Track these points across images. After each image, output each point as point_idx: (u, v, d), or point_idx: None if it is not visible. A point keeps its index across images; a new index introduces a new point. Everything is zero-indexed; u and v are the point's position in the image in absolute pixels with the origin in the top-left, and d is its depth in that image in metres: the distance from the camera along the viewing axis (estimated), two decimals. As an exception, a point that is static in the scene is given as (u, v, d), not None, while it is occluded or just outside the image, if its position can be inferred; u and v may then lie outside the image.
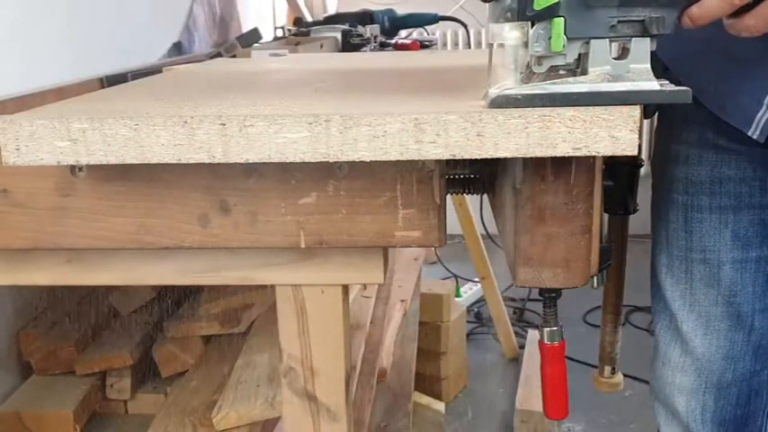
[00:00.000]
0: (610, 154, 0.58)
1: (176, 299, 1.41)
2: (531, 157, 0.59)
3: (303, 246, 0.71)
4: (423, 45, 2.25)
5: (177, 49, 1.87)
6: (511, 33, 0.60)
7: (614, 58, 0.60)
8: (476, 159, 0.58)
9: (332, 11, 3.32)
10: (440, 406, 2.01)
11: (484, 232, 2.51)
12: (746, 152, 0.91)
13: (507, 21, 0.60)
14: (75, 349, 1.27)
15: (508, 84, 0.60)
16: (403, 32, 2.54)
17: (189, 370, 1.31)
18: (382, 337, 1.53)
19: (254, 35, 2.04)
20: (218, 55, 1.74)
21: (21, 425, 1.15)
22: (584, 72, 0.60)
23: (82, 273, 0.77)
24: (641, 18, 0.59)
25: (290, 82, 0.89)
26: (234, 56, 1.74)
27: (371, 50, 2.25)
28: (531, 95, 0.58)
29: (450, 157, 0.58)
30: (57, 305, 1.34)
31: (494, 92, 0.59)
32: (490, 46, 0.63)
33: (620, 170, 1.01)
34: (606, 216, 1.04)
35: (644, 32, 0.60)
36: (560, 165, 0.66)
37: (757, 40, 0.68)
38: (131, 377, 1.30)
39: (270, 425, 1.09)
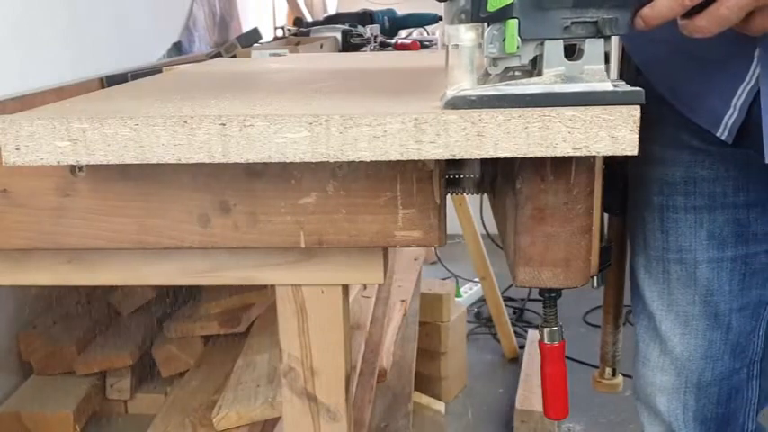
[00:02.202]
0: (610, 154, 0.58)
1: (176, 299, 1.41)
2: (531, 157, 0.59)
3: (303, 246, 0.71)
4: (423, 45, 2.25)
5: (177, 49, 1.87)
6: (466, 35, 0.60)
7: (568, 59, 0.60)
8: (476, 159, 0.58)
9: (332, 11, 3.32)
10: (440, 406, 2.01)
11: (484, 232, 2.51)
12: (719, 152, 0.91)
13: (461, 22, 0.60)
14: (75, 349, 1.27)
15: (465, 85, 0.60)
16: (403, 32, 2.54)
17: (189, 370, 1.31)
18: (382, 337, 1.52)
19: (254, 35, 2.04)
20: (218, 55, 1.74)
21: (21, 425, 1.15)
22: (540, 73, 0.61)
23: (82, 273, 0.77)
24: (594, 19, 0.60)
25: (290, 82, 0.89)
26: (234, 56, 1.74)
27: (371, 50, 2.25)
28: (485, 97, 0.59)
29: (451, 157, 0.58)
30: (57, 305, 1.34)
31: (450, 93, 0.60)
32: (447, 47, 0.63)
33: (619, 170, 1.01)
34: (606, 216, 1.04)
35: (597, 33, 0.60)
36: (560, 165, 0.66)
37: (724, 42, 0.68)
38: (131, 377, 1.30)
39: (270, 425, 1.09)
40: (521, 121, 0.57)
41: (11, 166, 0.61)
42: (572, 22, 0.59)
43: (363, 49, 2.26)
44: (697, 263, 0.96)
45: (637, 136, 0.57)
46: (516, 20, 0.59)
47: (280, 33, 2.44)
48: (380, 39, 2.34)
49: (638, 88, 0.59)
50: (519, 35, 0.59)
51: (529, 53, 0.61)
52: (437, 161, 0.68)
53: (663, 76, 0.92)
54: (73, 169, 0.70)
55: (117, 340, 1.32)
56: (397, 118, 0.58)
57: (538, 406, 1.98)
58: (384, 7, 2.59)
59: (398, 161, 0.59)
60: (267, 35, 2.38)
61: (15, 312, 1.26)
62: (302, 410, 0.79)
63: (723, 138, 0.85)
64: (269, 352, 1.21)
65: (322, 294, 0.76)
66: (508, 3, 0.58)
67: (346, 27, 2.31)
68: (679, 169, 0.95)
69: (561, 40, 0.60)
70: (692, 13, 0.63)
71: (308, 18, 2.96)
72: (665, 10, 0.62)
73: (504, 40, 0.59)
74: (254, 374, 1.16)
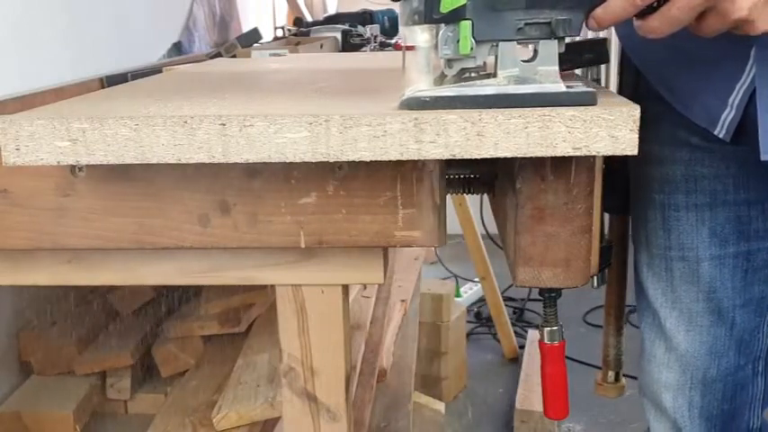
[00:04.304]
0: (610, 154, 0.58)
1: (176, 299, 1.41)
2: (531, 157, 0.59)
3: (303, 246, 0.71)
4: (423, 45, 2.25)
5: (177, 49, 1.87)
6: (421, 36, 0.61)
7: (523, 61, 0.61)
8: (476, 159, 0.58)
9: (332, 11, 3.32)
10: (440, 406, 2.01)
11: (484, 232, 2.51)
12: (719, 150, 0.92)
13: (416, 23, 0.60)
14: (75, 349, 1.27)
15: (422, 86, 0.61)
16: (403, 32, 2.54)
17: (189, 370, 1.31)
18: (382, 337, 1.52)
19: (254, 35, 2.04)
20: (218, 55, 1.74)
21: (21, 425, 1.15)
22: (495, 74, 0.61)
23: (82, 273, 0.77)
24: (548, 20, 0.60)
25: (290, 82, 0.89)
26: (234, 56, 1.74)
27: (371, 50, 2.25)
28: (440, 98, 0.59)
29: (450, 157, 0.58)
30: (57, 305, 1.34)
31: (407, 94, 0.60)
32: (404, 48, 0.63)
33: (620, 169, 1.02)
34: (606, 216, 1.04)
35: (551, 35, 0.60)
36: (560, 164, 0.66)
37: (721, 42, 0.69)
38: (131, 377, 1.30)
39: (270, 425, 1.09)
40: (521, 121, 0.57)
41: (11, 166, 0.61)
42: (525, 24, 0.60)
43: (363, 49, 2.26)
44: (699, 260, 0.96)
45: (637, 136, 0.57)
46: (470, 21, 0.59)
47: (280, 33, 2.44)
48: (380, 39, 2.34)
49: (590, 89, 0.59)
50: (473, 36, 0.59)
51: (483, 54, 0.61)
52: (437, 161, 0.68)
53: (661, 76, 0.92)
54: (73, 169, 0.70)
55: (117, 340, 1.32)
56: (397, 118, 0.58)
57: (538, 406, 1.98)
58: (384, 7, 2.59)
59: (398, 161, 0.59)
60: (267, 35, 2.38)
61: (15, 312, 1.26)
62: (302, 410, 0.79)
63: (721, 136, 0.86)
64: (269, 352, 1.21)
65: (322, 294, 0.76)
66: (461, 4, 0.59)
67: (346, 27, 2.32)
68: (679, 167, 0.95)
69: (515, 42, 0.60)
70: (645, 13, 0.64)
71: (308, 18, 2.96)
72: (618, 10, 0.62)
73: (458, 41, 0.60)
74: (254, 374, 1.16)
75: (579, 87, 0.60)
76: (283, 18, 3.10)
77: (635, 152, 0.57)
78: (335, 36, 2.28)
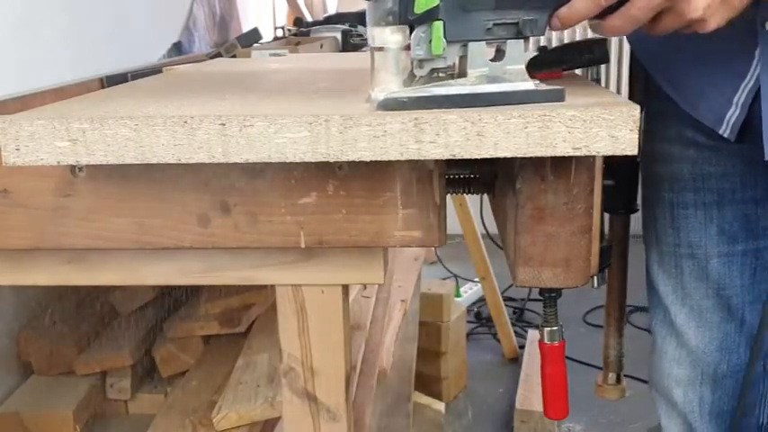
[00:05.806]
0: (609, 153, 0.58)
1: (176, 299, 1.41)
2: (531, 157, 0.59)
3: (303, 246, 0.71)
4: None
5: (177, 49, 1.87)
6: (392, 37, 0.61)
7: (491, 60, 0.62)
8: (476, 159, 0.59)
9: (332, 11, 3.32)
10: (440, 406, 2.01)
11: (484, 232, 2.51)
12: (725, 148, 0.92)
13: (388, 24, 0.61)
14: (75, 349, 1.27)
15: (392, 87, 0.61)
16: (403, 32, 2.53)
17: (189, 370, 1.31)
18: (382, 337, 1.52)
19: (254, 35, 2.04)
20: (218, 55, 1.74)
21: (21, 425, 1.15)
22: (463, 74, 0.62)
23: (82, 273, 0.77)
24: (515, 21, 0.61)
25: (289, 82, 0.89)
26: (234, 56, 1.74)
27: (371, 50, 2.24)
28: (416, 98, 0.60)
29: (450, 157, 0.58)
30: (57, 305, 1.34)
31: (379, 95, 0.60)
32: (371, 49, 0.64)
33: (620, 169, 1.02)
34: (607, 215, 1.04)
35: (518, 34, 0.61)
36: (560, 164, 0.66)
37: (726, 41, 0.69)
38: (131, 377, 1.30)
39: (270, 425, 1.09)
40: (520, 121, 0.57)
41: (11, 166, 0.61)
42: (494, 24, 0.61)
43: (363, 49, 2.25)
44: (708, 257, 0.97)
45: (636, 136, 0.57)
46: (442, 21, 0.60)
47: (280, 33, 2.44)
48: (380, 39, 2.33)
49: (558, 87, 0.61)
50: (444, 37, 0.60)
51: (454, 55, 0.62)
52: (437, 161, 0.68)
53: (666, 75, 0.93)
54: (73, 169, 0.70)
55: (117, 340, 1.31)
56: (397, 118, 0.58)
57: (538, 406, 1.98)
58: (384, 7, 2.58)
59: (398, 161, 0.59)
60: (267, 35, 2.38)
61: (15, 312, 1.26)
62: (302, 410, 0.79)
63: (726, 135, 0.87)
64: (269, 352, 1.21)
65: (322, 294, 0.76)
66: (434, 5, 0.59)
67: (346, 27, 2.31)
68: (687, 166, 0.96)
69: (484, 42, 0.61)
70: (606, 13, 0.65)
71: (308, 18, 2.96)
72: (582, 9, 0.63)
73: (430, 41, 0.60)
74: (254, 374, 1.16)
75: (545, 86, 0.61)
76: (283, 18, 3.10)
77: (635, 152, 0.58)
78: (335, 36, 2.28)
